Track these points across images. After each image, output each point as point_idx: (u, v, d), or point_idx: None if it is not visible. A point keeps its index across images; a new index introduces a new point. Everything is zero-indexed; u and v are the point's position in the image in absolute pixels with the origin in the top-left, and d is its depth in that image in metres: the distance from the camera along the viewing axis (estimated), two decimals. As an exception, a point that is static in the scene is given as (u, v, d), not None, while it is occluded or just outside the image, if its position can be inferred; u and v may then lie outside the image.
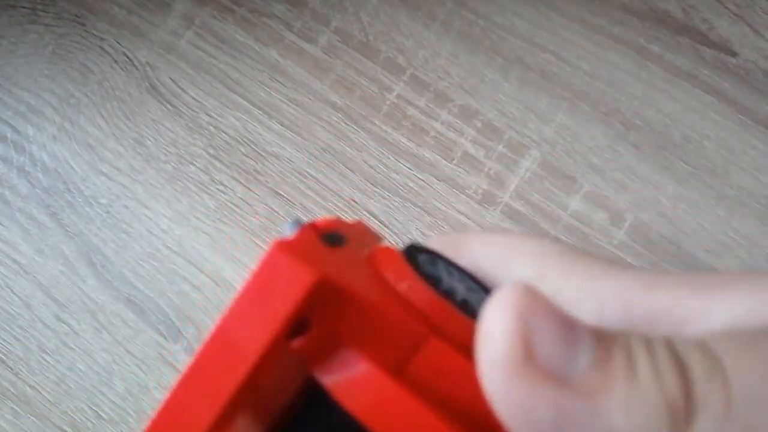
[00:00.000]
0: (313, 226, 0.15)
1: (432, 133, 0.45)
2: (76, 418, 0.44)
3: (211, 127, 0.47)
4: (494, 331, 0.11)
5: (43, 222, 0.47)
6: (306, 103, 0.46)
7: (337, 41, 0.47)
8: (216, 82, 0.47)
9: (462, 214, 0.44)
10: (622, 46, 0.45)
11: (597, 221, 0.43)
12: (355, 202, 0.45)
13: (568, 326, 0.11)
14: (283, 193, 0.45)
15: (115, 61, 0.48)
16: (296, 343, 0.13)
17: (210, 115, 0.47)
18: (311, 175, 0.45)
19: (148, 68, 0.48)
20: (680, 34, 0.44)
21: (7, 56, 0.49)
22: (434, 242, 0.18)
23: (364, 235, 0.18)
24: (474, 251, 0.17)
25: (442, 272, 0.16)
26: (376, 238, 0.19)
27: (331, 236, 0.15)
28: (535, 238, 0.17)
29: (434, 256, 0.16)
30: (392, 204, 0.45)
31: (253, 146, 0.46)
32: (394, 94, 0.46)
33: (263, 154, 0.46)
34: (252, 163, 0.46)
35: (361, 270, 0.14)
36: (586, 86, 0.44)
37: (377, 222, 0.44)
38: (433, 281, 0.15)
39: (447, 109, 0.45)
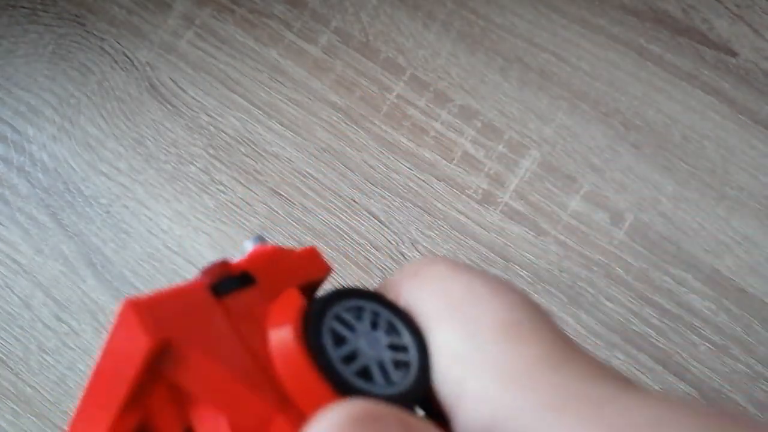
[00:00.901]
0: (221, 266, 0.15)
1: (432, 133, 0.45)
2: (76, 418, 0.44)
3: (211, 127, 0.47)
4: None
5: (43, 222, 0.47)
6: (306, 103, 0.46)
7: (337, 41, 0.47)
8: (216, 82, 0.47)
9: (462, 214, 0.44)
10: (622, 46, 0.45)
11: (597, 221, 0.43)
12: (355, 202, 0.45)
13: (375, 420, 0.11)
14: (283, 193, 0.45)
15: (115, 61, 0.48)
16: (152, 395, 0.14)
17: (210, 115, 0.47)
18: (311, 175, 0.45)
19: (148, 68, 0.48)
20: (680, 34, 0.44)
21: (7, 56, 0.49)
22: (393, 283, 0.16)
23: (296, 269, 0.17)
24: (414, 297, 0.15)
25: (358, 328, 0.15)
26: (314, 272, 0.17)
27: (234, 279, 0.15)
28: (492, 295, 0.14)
29: (365, 303, 0.15)
30: (392, 204, 0.45)
31: (253, 146, 0.46)
32: (394, 94, 0.46)
33: (263, 154, 0.46)
34: (252, 163, 0.46)
35: (233, 325, 0.14)
36: (586, 86, 0.44)
37: (377, 222, 0.44)
38: (330, 341, 0.14)
39: (447, 109, 0.45)
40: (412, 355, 0.15)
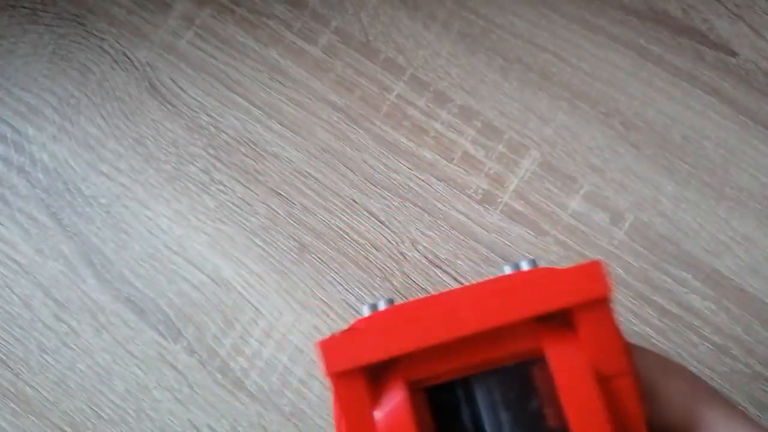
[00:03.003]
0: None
1: (432, 133, 0.45)
2: (76, 418, 0.44)
3: (211, 127, 0.47)
4: None
5: (43, 222, 0.47)
6: (306, 103, 0.46)
7: (337, 41, 0.47)
8: (216, 82, 0.47)
9: (462, 214, 0.44)
10: (622, 46, 0.45)
11: (597, 221, 0.43)
12: (355, 202, 0.45)
13: None
14: (283, 193, 0.45)
15: (115, 61, 0.48)
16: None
17: (210, 115, 0.47)
18: (311, 175, 0.45)
19: (148, 68, 0.48)
20: (680, 34, 0.44)
21: (7, 56, 0.49)
22: None
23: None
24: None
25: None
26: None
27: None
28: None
29: None
30: (392, 204, 0.45)
31: (253, 146, 0.46)
32: (394, 94, 0.46)
33: (263, 154, 0.46)
34: (252, 163, 0.46)
35: None
36: (586, 86, 0.44)
37: (377, 222, 0.44)
38: None
39: (447, 109, 0.45)
40: None
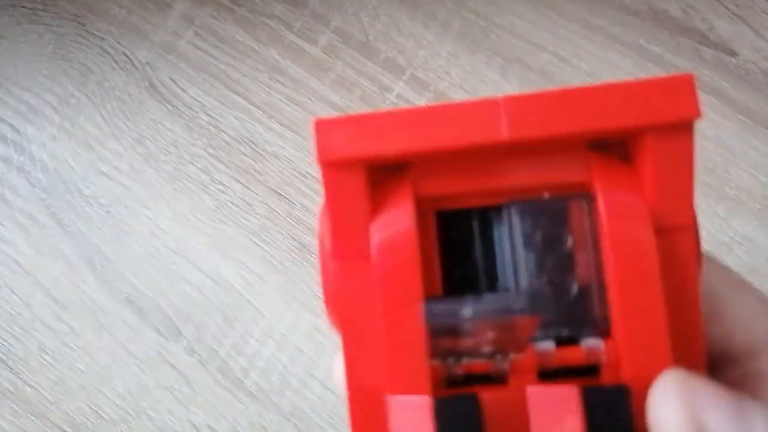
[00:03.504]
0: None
1: (432, 133, 0.45)
2: (76, 418, 0.44)
3: (211, 127, 0.47)
4: (668, 424, 0.12)
5: (43, 222, 0.47)
6: (306, 103, 0.46)
7: (337, 41, 0.47)
8: (216, 82, 0.47)
9: (462, 214, 0.44)
10: (622, 46, 0.45)
11: (597, 221, 0.43)
12: (355, 202, 0.45)
13: (739, 411, 0.11)
14: (283, 193, 0.45)
15: (115, 61, 0.48)
16: None
17: (210, 115, 0.47)
18: (311, 175, 0.45)
19: (148, 68, 0.48)
20: (680, 34, 0.44)
21: (7, 56, 0.49)
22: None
23: None
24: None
25: None
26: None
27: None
28: None
29: None
30: (392, 204, 0.45)
31: (253, 146, 0.46)
32: (394, 94, 0.46)
33: (263, 154, 0.46)
34: (252, 163, 0.46)
35: None
36: (586, 86, 0.44)
37: (377, 222, 0.44)
38: None
39: (447, 109, 0.45)
40: None
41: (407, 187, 0.14)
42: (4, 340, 0.46)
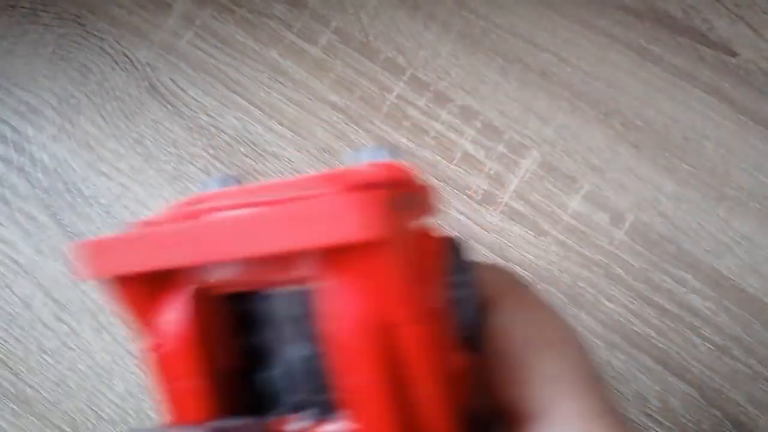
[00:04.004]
0: (393, 184, 0.16)
1: (432, 134, 0.45)
2: (76, 418, 0.44)
3: (211, 127, 0.47)
4: None
5: (43, 222, 0.47)
6: (306, 103, 0.46)
7: (337, 41, 0.47)
8: (216, 82, 0.47)
9: (462, 214, 0.44)
10: (622, 46, 0.45)
11: (597, 221, 0.43)
12: (355, 202, 0.45)
13: None
14: (283, 193, 0.45)
15: (115, 62, 0.48)
16: None
17: (210, 115, 0.47)
18: (311, 175, 0.45)
19: (148, 68, 0.48)
20: (680, 34, 0.44)
21: (7, 56, 0.49)
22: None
23: (423, 203, 0.18)
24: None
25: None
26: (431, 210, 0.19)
27: (405, 196, 0.16)
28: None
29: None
30: (392, 204, 0.44)
31: (253, 146, 0.46)
32: (394, 94, 0.46)
33: (263, 154, 0.46)
34: (252, 163, 0.46)
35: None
36: (586, 86, 0.44)
37: (377, 222, 0.44)
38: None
39: (447, 110, 0.45)
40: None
41: (182, 282, 0.16)
42: (4, 340, 0.46)
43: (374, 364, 0.14)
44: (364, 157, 0.18)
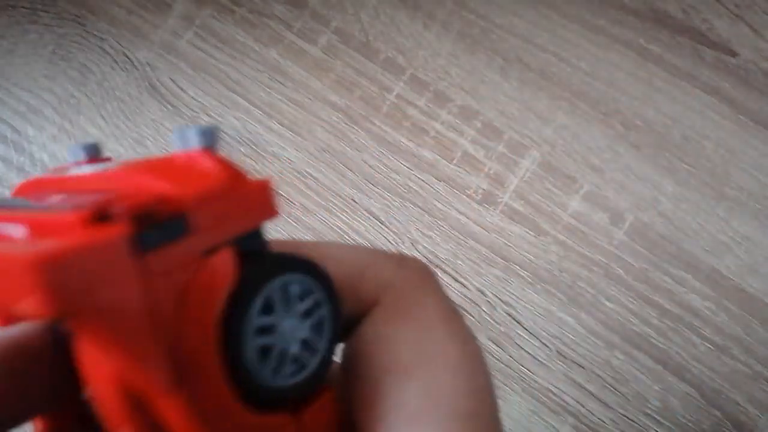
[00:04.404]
0: (152, 205, 0.12)
1: (432, 133, 0.45)
2: (76, 418, 0.44)
3: (211, 127, 0.47)
4: None
5: (43, 222, 0.47)
6: (306, 103, 0.46)
7: (337, 41, 0.47)
8: (216, 82, 0.47)
9: (462, 214, 0.44)
10: (622, 46, 0.45)
11: (597, 221, 0.43)
12: (355, 202, 0.45)
13: None
14: (283, 193, 0.45)
15: (115, 61, 0.48)
16: None
17: (210, 115, 0.47)
18: (311, 175, 0.45)
19: (148, 68, 0.48)
20: (680, 34, 0.44)
21: (7, 56, 0.49)
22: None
23: (242, 212, 0.14)
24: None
25: (288, 314, 0.13)
26: (260, 218, 0.14)
27: (165, 228, 0.12)
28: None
29: (309, 283, 0.14)
30: (392, 204, 0.45)
31: (253, 146, 0.46)
32: (394, 94, 0.46)
33: (263, 154, 0.46)
34: (252, 163, 0.46)
35: (148, 290, 0.11)
36: (586, 86, 0.45)
37: (377, 222, 0.44)
38: (251, 331, 0.13)
39: (447, 109, 0.45)
40: (316, 358, 0.14)
41: None
42: (4, 340, 0.46)
43: (131, 427, 0.12)
44: (190, 139, 0.15)
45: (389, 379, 0.14)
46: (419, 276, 0.16)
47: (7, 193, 0.47)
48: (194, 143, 0.15)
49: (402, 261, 0.16)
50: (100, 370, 0.12)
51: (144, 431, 0.12)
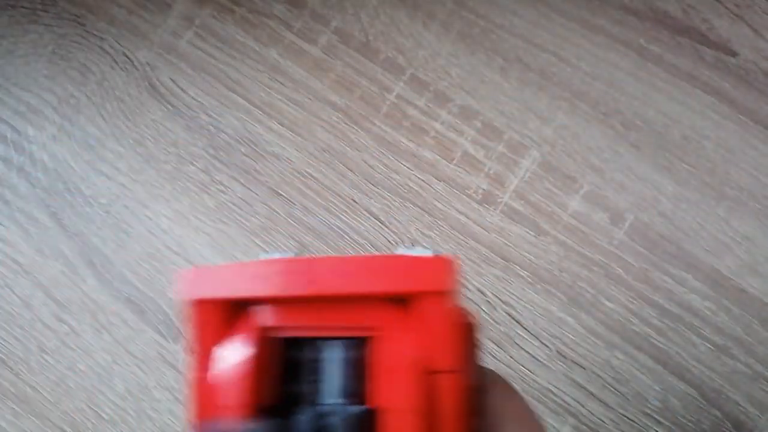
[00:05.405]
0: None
1: (432, 133, 0.45)
2: (76, 418, 0.44)
3: (211, 127, 0.47)
4: None
5: (43, 222, 0.47)
6: (306, 103, 0.46)
7: (337, 41, 0.47)
8: (216, 82, 0.47)
9: (462, 214, 0.44)
10: (622, 46, 0.45)
11: (597, 221, 0.43)
12: (355, 202, 0.45)
13: None
14: (283, 193, 0.45)
15: (115, 61, 0.48)
16: None
17: (210, 115, 0.47)
18: (311, 175, 0.45)
19: (148, 68, 0.48)
20: (680, 34, 0.44)
21: (7, 56, 0.49)
22: None
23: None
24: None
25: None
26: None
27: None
28: None
29: None
30: (392, 204, 0.45)
31: (253, 146, 0.46)
32: (394, 94, 0.46)
33: (263, 154, 0.46)
34: (252, 163, 0.46)
35: None
36: (586, 86, 0.44)
37: (377, 222, 0.44)
38: None
39: (447, 109, 0.45)
40: None
41: (251, 321, 0.18)
42: (5, 340, 0.46)
43: (413, 401, 0.16)
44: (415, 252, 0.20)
45: None
46: (502, 379, 0.21)
47: (9, 194, 0.47)
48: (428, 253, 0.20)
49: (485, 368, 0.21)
50: (404, 356, 0.16)
51: (424, 410, 0.16)
